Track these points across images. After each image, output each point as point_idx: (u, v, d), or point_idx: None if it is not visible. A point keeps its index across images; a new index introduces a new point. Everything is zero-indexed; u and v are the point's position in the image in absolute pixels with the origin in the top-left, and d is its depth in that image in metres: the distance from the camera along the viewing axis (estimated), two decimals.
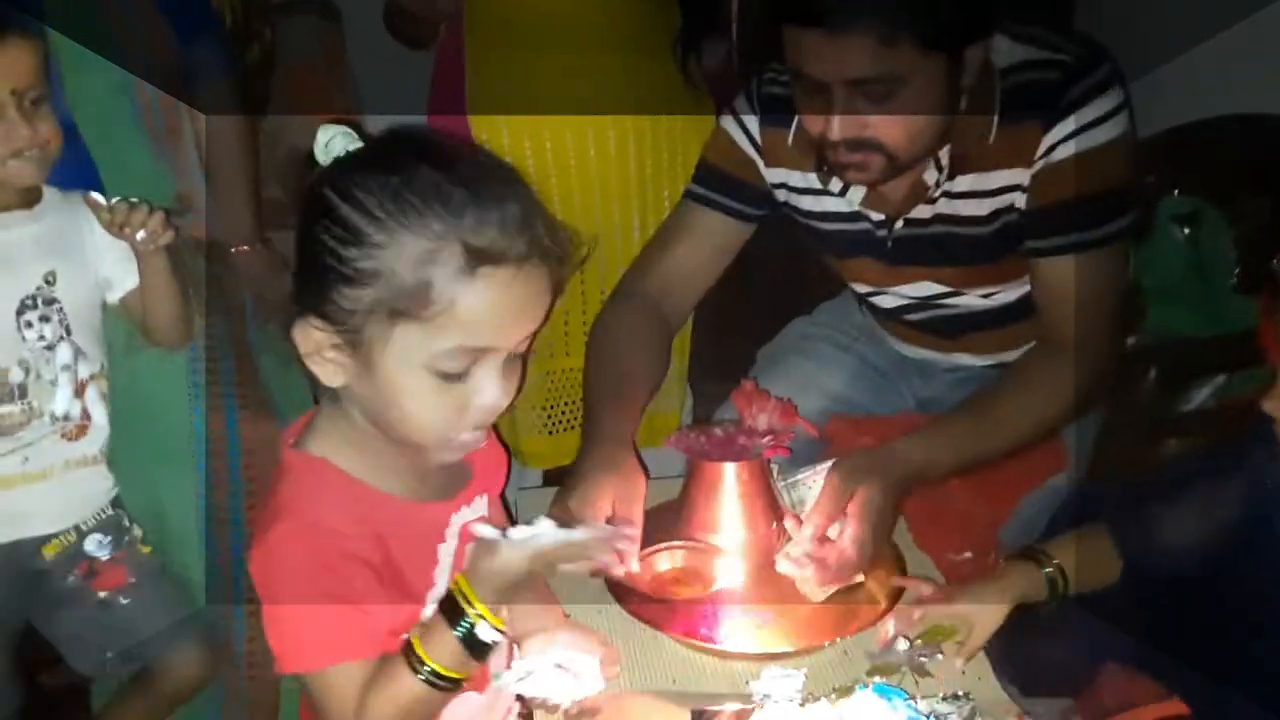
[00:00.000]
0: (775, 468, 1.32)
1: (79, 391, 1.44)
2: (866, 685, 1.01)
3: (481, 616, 0.92)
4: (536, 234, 0.91)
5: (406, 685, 0.92)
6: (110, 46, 1.54)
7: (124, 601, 1.50)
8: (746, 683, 1.08)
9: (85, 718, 1.61)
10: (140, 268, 1.45)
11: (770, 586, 1.23)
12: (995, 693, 1.10)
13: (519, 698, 1.08)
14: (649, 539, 1.27)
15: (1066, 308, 1.36)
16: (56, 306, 1.41)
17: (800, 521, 1.22)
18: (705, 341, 1.91)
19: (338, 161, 0.93)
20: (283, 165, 2.14)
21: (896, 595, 1.22)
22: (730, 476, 1.27)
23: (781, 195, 1.53)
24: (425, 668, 0.92)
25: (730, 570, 1.25)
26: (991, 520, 1.44)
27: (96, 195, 1.39)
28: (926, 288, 1.51)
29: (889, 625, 1.18)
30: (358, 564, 0.93)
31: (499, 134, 1.78)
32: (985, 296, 1.50)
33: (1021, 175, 1.35)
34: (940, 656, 1.14)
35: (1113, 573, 1.19)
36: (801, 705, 1.03)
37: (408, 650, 0.93)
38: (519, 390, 0.96)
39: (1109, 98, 1.32)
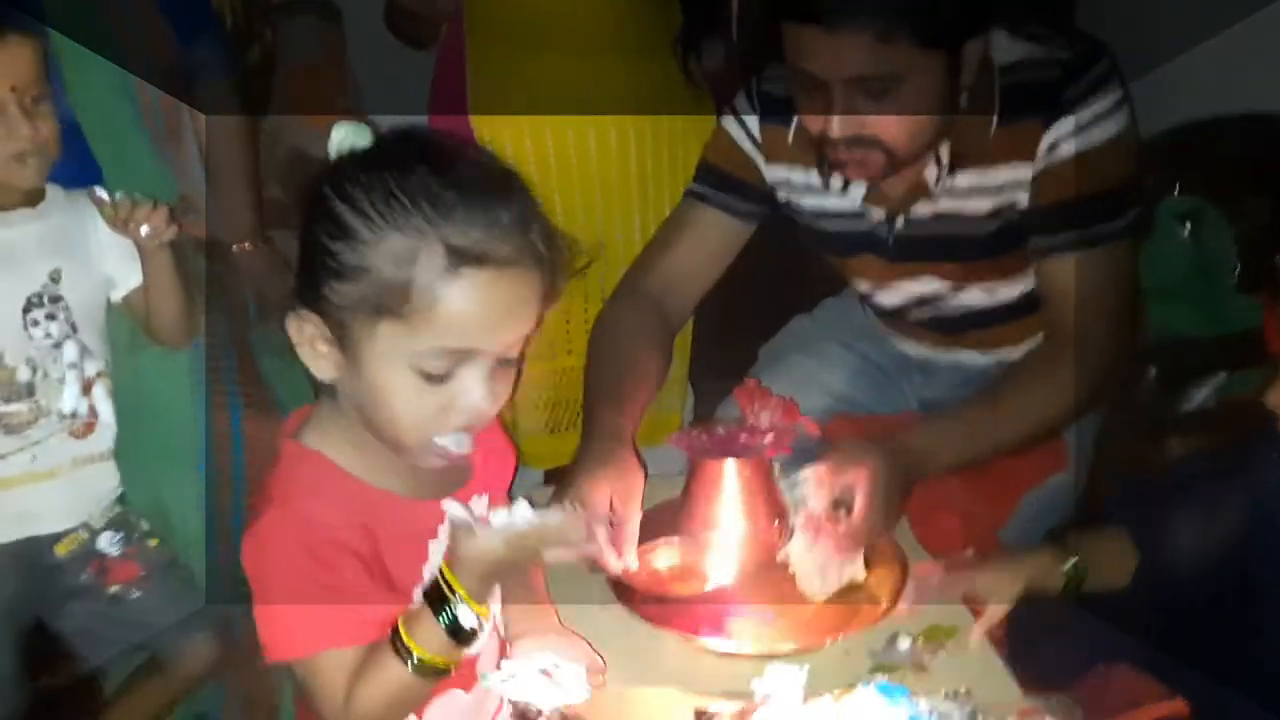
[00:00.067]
0: (777, 466, 1.32)
1: (86, 389, 1.45)
2: (869, 683, 1.01)
3: (463, 602, 0.92)
4: (529, 239, 0.91)
5: (394, 673, 0.92)
6: (110, 46, 1.54)
7: (135, 595, 1.51)
8: (749, 681, 1.08)
9: (95, 709, 1.62)
10: (144, 265, 1.45)
11: (772, 585, 1.23)
12: (997, 691, 1.10)
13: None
14: (651, 538, 1.27)
15: (1073, 304, 1.36)
16: (62, 304, 1.42)
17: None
18: (707, 340, 1.92)
19: (341, 159, 0.93)
20: (283, 165, 2.15)
21: (898, 593, 1.22)
22: (732, 475, 1.27)
23: (782, 194, 1.53)
24: (411, 655, 0.92)
25: (728, 567, 1.25)
26: (993, 519, 1.44)
27: (101, 191, 1.39)
28: (928, 285, 1.51)
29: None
30: (347, 555, 0.94)
31: (500, 133, 1.78)
32: (987, 293, 1.50)
33: (1024, 172, 1.35)
34: (942, 655, 1.14)
35: (1126, 574, 1.19)
36: (804, 703, 1.03)
37: (394, 638, 0.93)
38: (512, 396, 0.96)
39: (1109, 94, 1.33)
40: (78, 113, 1.52)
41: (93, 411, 1.46)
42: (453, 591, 0.92)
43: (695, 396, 2.00)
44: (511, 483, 1.12)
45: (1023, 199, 1.37)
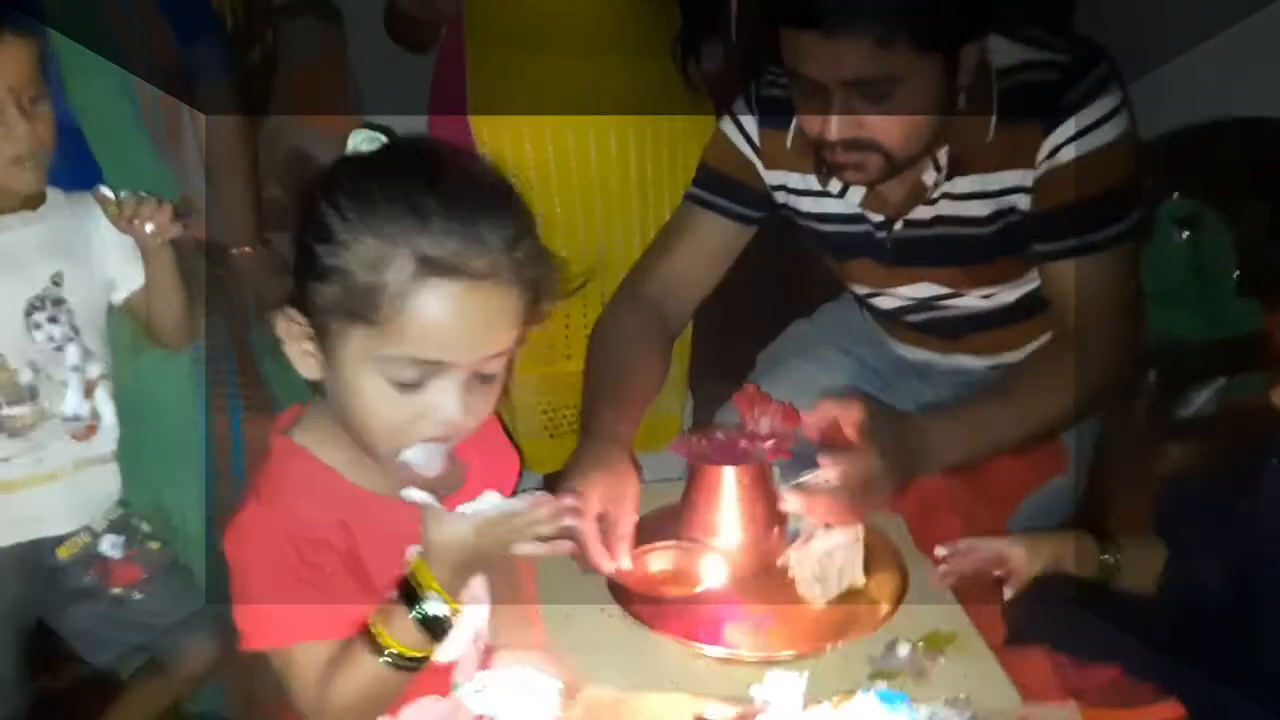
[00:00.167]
0: (777, 471, 1.32)
1: (88, 392, 1.45)
2: (868, 690, 1.01)
3: (434, 593, 0.93)
4: (513, 257, 0.91)
5: (367, 665, 0.94)
6: (110, 47, 1.54)
7: (136, 597, 1.52)
8: (748, 687, 1.08)
9: (97, 710, 1.62)
10: (146, 265, 1.45)
11: (772, 590, 1.24)
12: (996, 698, 1.10)
13: None
14: (651, 543, 1.27)
15: (1079, 307, 1.36)
16: (64, 307, 1.42)
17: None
18: (706, 344, 1.92)
19: (337, 163, 0.94)
20: (283, 165, 2.15)
21: (899, 598, 1.22)
22: (731, 480, 1.28)
23: (781, 197, 1.53)
24: (384, 648, 0.93)
25: (721, 570, 1.25)
26: (993, 522, 1.44)
27: (105, 189, 1.39)
28: (926, 289, 1.51)
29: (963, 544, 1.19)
30: (326, 551, 0.95)
31: (500, 136, 1.78)
32: (985, 297, 1.50)
33: (1024, 177, 1.36)
34: (942, 662, 1.14)
35: (1153, 576, 1.20)
36: (804, 710, 1.03)
37: (367, 631, 0.94)
38: (501, 404, 0.97)
39: (1108, 98, 1.33)
40: (78, 114, 1.52)
41: (94, 414, 1.46)
42: (424, 583, 0.93)
43: (694, 400, 2.00)
44: (515, 488, 1.12)
45: (1022, 203, 1.38)
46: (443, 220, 0.89)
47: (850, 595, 1.24)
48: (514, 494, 1.10)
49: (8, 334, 1.38)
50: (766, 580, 1.25)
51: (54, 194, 1.45)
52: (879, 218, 1.46)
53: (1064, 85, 1.32)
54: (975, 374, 1.59)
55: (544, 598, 1.21)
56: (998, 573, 1.20)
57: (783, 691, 1.05)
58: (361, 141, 0.94)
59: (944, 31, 1.25)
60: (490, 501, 0.93)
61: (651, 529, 1.31)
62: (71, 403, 1.43)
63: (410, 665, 0.95)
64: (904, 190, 1.42)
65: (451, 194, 0.90)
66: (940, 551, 1.20)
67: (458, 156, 0.98)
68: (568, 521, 0.95)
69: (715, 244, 1.56)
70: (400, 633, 0.94)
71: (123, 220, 1.38)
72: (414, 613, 0.93)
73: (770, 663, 1.14)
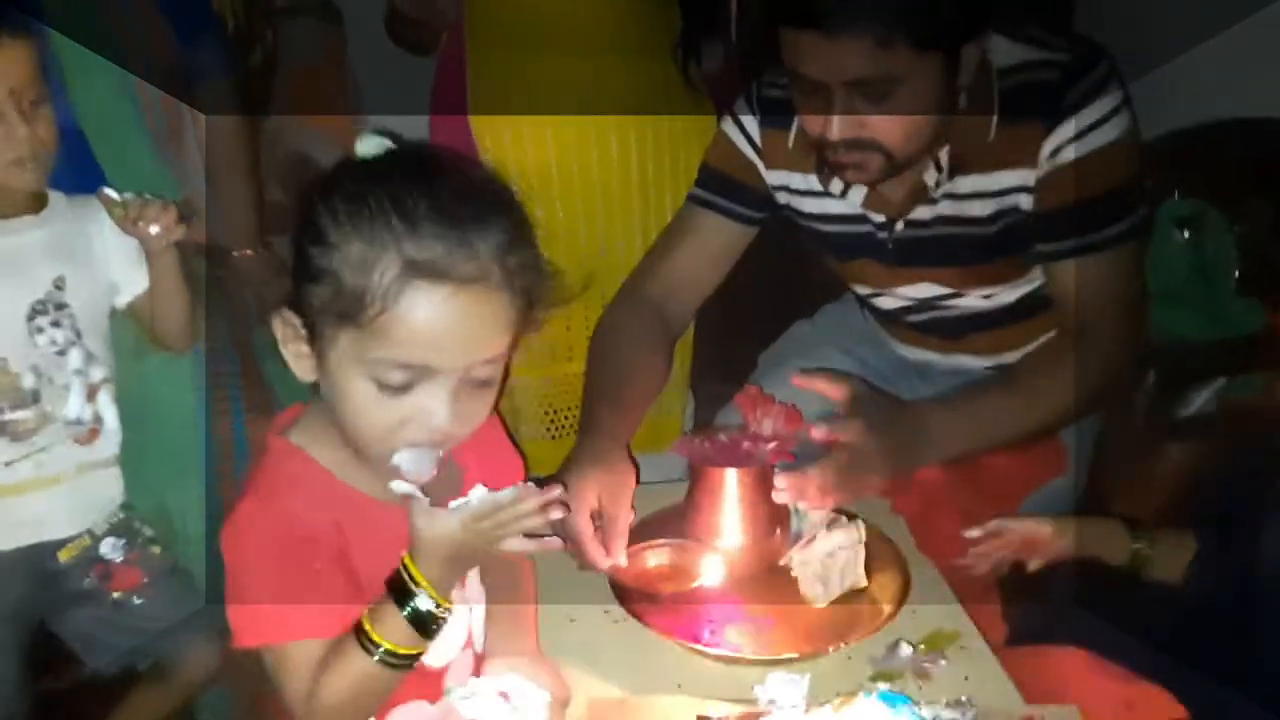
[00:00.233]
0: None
1: (90, 396, 1.45)
2: (871, 692, 1.01)
3: (423, 590, 0.93)
4: (504, 263, 0.91)
5: (358, 665, 0.94)
6: (111, 48, 1.54)
7: (137, 601, 1.51)
8: (751, 688, 1.08)
9: (98, 714, 1.62)
10: (150, 268, 1.46)
11: (775, 592, 1.24)
12: (999, 699, 1.10)
13: None
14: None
15: (1083, 306, 1.36)
16: (67, 311, 1.42)
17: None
18: (707, 344, 1.92)
19: (338, 166, 0.94)
20: (283, 166, 2.14)
21: (901, 599, 1.23)
22: (734, 482, 1.28)
23: (782, 198, 1.53)
24: (375, 645, 0.93)
25: (718, 567, 1.26)
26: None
27: (110, 191, 1.39)
28: (927, 289, 1.51)
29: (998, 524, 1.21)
30: (319, 550, 0.96)
31: (501, 138, 1.78)
32: (986, 297, 1.51)
33: (1026, 177, 1.36)
34: (944, 663, 1.15)
35: (1181, 569, 1.20)
36: (806, 711, 1.04)
37: (359, 629, 0.94)
38: (496, 408, 0.96)
39: (1109, 97, 1.33)
40: (80, 117, 1.52)
41: (97, 418, 1.46)
42: (414, 580, 0.93)
43: (696, 401, 2.00)
44: None
45: (1024, 203, 1.38)
46: (433, 225, 0.89)
47: (852, 596, 1.24)
48: None
49: (10, 338, 1.38)
50: (769, 581, 1.25)
51: (56, 197, 1.45)
52: (880, 218, 1.46)
53: (1064, 85, 1.32)
54: (975, 375, 1.59)
55: (546, 598, 1.22)
56: (1027, 556, 1.20)
57: (785, 693, 1.06)
58: (367, 146, 0.94)
59: (944, 31, 1.25)
60: (478, 494, 0.92)
61: (654, 531, 1.31)
62: (74, 407, 1.43)
63: (401, 663, 0.95)
64: (905, 190, 1.42)
65: (445, 199, 0.90)
66: (973, 533, 1.20)
67: (457, 163, 0.98)
68: (555, 515, 0.94)
69: (717, 245, 1.56)
70: (391, 630, 0.94)
71: (128, 222, 1.38)
72: (404, 609, 0.93)
73: (773, 664, 1.15)
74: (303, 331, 0.94)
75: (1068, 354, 1.37)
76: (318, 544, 0.96)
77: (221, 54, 1.76)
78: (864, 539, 1.25)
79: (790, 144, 1.47)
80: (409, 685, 0.99)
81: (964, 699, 1.05)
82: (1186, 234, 1.63)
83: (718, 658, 1.18)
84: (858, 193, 1.45)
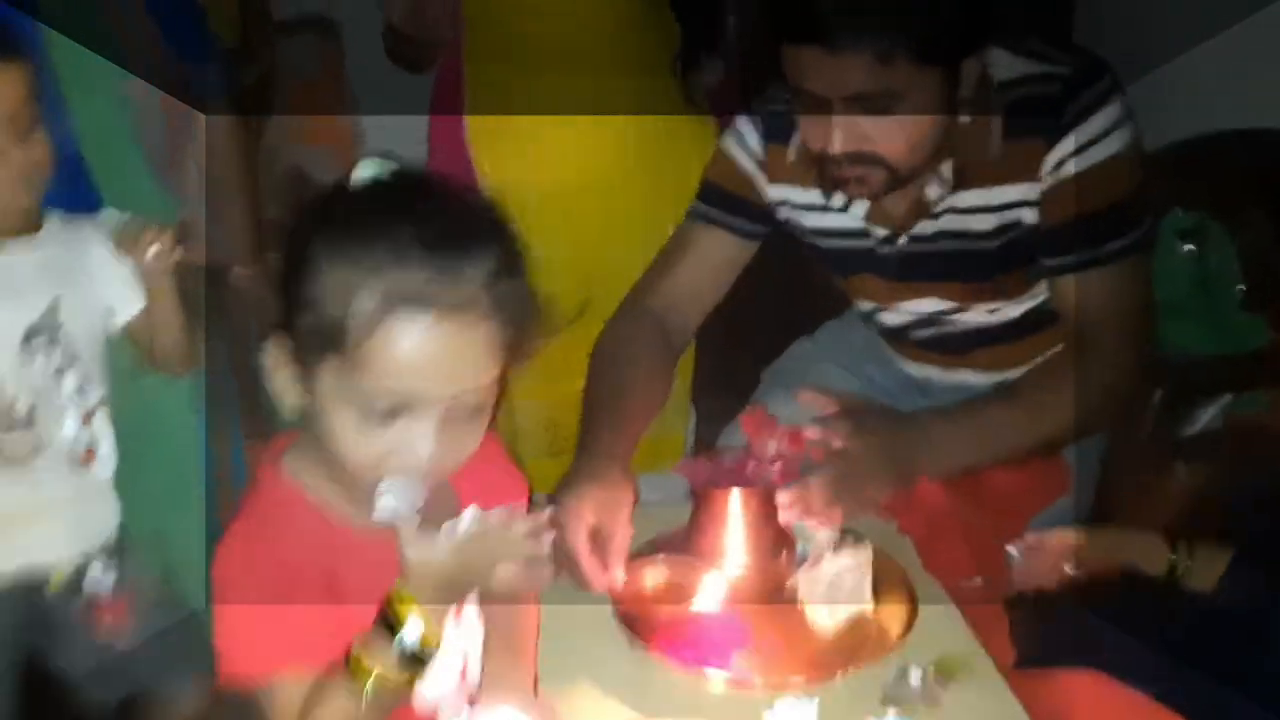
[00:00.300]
0: None
1: (86, 419, 1.43)
2: (880, 718, 1.00)
3: (414, 619, 0.90)
4: (494, 292, 0.89)
5: (349, 693, 0.91)
6: (108, 67, 1.53)
7: (132, 628, 1.49)
8: (758, 715, 1.07)
9: None
10: (147, 290, 1.45)
11: (781, 615, 1.23)
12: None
13: None
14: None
15: (1088, 320, 1.36)
16: (62, 334, 1.41)
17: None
18: (709, 361, 1.91)
19: (331, 189, 0.93)
20: (281, 183, 2.14)
21: (909, 623, 1.21)
22: (738, 504, 1.27)
23: (783, 212, 1.52)
24: (366, 673, 0.91)
25: (717, 584, 1.25)
26: (1001, 545, 1.44)
27: (111, 211, 1.38)
28: (931, 304, 1.51)
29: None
30: (307, 578, 0.94)
31: (499, 158, 1.78)
32: (991, 312, 1.50)
33: (1029, 191, 1.35)
34: (953, 687, 1.13)
35: (1214, 577, 1.20)
36: None
37: (349, 657, 0.92)
38: (493, 428, 0.95)
39: (1111, 110, 1.33)
40: (78, 139, 1.52)
41: (92, 442, 1.44)
42: (403, 608, 0.91)
43: (697, 418, 1.99)
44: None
45: (1028, 217, 1.37)
46: (421, 253, 0.87)
47: (859, 619, 1.23)
48: None
49: (5, 361, 1.37)
50: (775, 605, 1.24)
51: (51, 220, 1.44)
52: (883, 232, 1.46)
53: (1066, 98, 1.32)
54: (977, 391, 1.58)
55: (549, 623, 1.20)
56: (1068, 568, 1.20)
57: (793, 718, 1.05)
58: (365, 170, 0.93)
59: (945, 46, 1.25)
60: (468, 517, 0.91)
61: (659, 551, 1.30)
62: (69, 430, 1.41)
63: (392, 693, 0.92)
64: (908, 205, 1.42)
65: (433, 226, 0.89)
66: (1012, 550, 1.20)
67: (450, 189, 0.96)
68: (548, 536, 0.92)
69: (718, 260, 1.55)
70: (381, 658, 0.91)
71: (125, 245, 1.37)
72: (394, 637, 0.91)
73: (780, 690, 1.13)
74: (292, 358, 0.93)
75: (1071, 369, 1.36)
76: (306, 573, 0.94)
77: (220, 71, 1.76)
78: (870, 561, 1.23)
79: (791, 158, 1.47)
80: (401, 718, 0.97)
81: None
82: (1189, 247, 1.62)
83: (724, 684, 1.16)
84: (860, 207, 1.44)
